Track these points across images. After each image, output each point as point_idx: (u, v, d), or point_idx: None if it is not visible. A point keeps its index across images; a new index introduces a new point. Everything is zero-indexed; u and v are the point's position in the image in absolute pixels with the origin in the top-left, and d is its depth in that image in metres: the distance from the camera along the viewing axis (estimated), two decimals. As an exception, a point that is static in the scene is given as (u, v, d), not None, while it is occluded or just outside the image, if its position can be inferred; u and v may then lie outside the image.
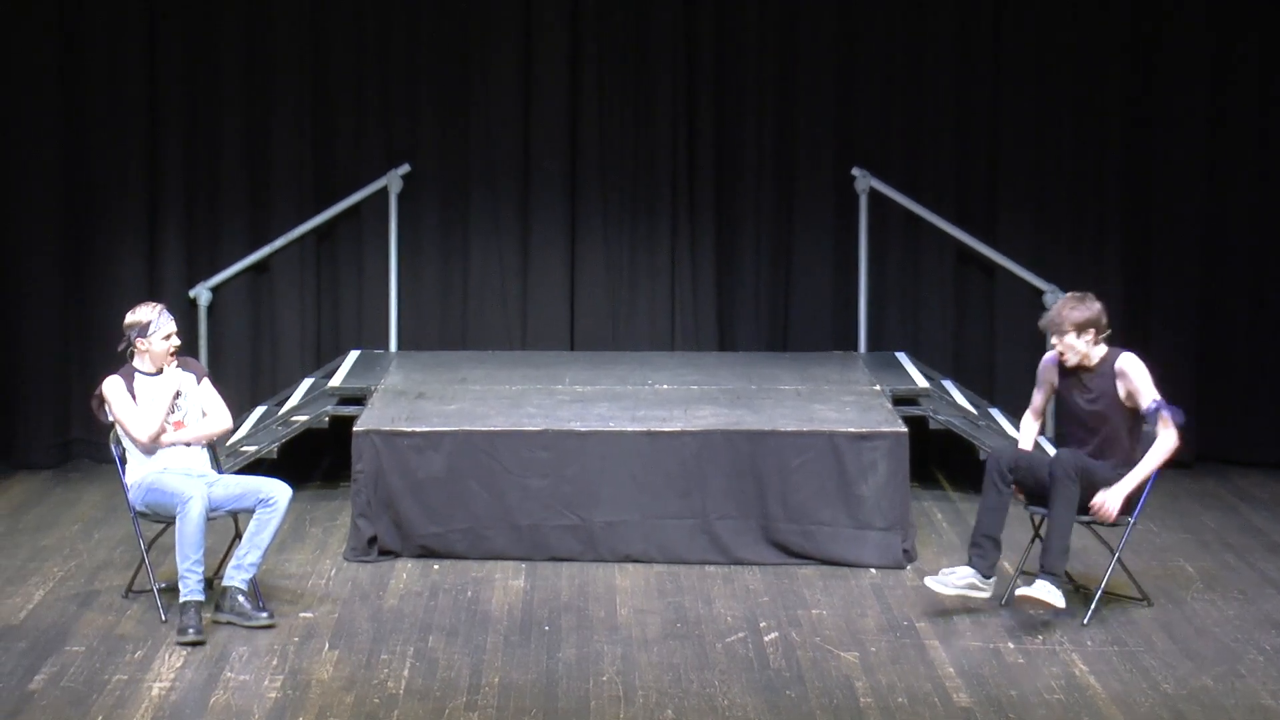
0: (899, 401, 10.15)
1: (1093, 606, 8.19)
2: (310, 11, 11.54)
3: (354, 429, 9.35)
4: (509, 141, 11.72)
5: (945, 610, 8.33)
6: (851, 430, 9.21)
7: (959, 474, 10.92)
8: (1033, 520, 8.59)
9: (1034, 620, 8.17)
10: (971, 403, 10.93)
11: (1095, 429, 8.34)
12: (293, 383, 11.39)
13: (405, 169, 11.60)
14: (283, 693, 7.24)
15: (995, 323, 11.73)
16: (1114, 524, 8.26)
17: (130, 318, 8.36)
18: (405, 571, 8.98)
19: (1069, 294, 8.42)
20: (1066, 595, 8.48)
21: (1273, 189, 11.39)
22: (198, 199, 11.58)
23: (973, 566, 8.25)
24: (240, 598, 8.07)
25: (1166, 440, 8.22)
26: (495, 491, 9.15)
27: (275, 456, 10.31)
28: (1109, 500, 8.16)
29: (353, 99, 11.65)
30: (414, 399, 9.96)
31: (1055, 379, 8.51)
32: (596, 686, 7.34)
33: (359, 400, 10.25)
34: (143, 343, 8.32)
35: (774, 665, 7.60)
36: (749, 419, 9.43)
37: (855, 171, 11.58)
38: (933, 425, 10.31)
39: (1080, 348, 8.30)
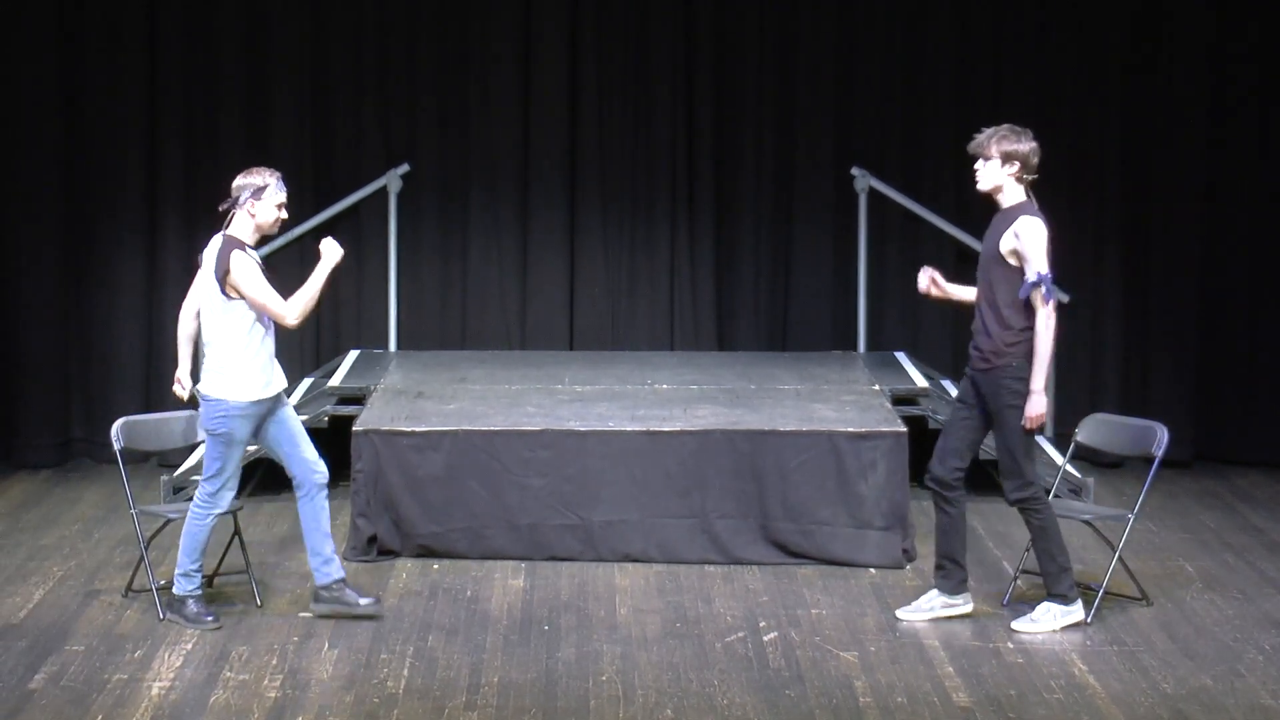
0: (898, 401, 10.16)
1: (1094, 606, 8.19)
2: (310, 11, 11.55)
3: (353, 428, 9.36)
4: (508, 141, 11.73)
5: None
6: (851, 430, 9.21)
7: (958, 474, 10.92)
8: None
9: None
10: (971, 402, 10.92)
11: (979, 280, 8.01)
12: (292, 382, 11.37)
13: (405, 169, 11.61)
14: (282, 692, 7.24)
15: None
16: (1036, 431, 7.99)
17: (243, 179, 7.91)
18: (405, 571, 8.98)
19: (1009, 124, 8.00)
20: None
21: (1272, 190, 11.39)
22: (197, 198, 11.56)
23: (937, 589, 8.24)
24: (344, 589, 8.07)
25: (1046, 320, 7.79)
26: (495, 491, 9.15)
27: (275, 456, 10.31)
28: (1032, 411, 7.84)
29: (352, 99, 11.66)
30: (413, 398, 9.97)
31: None
32: (596, 686, 7.34)
33: (358, 400, 10.25)
34: (254, 205, 7.88)
35: (773, 665, 7.60)
36: (748, 419, 9.43)
37: (854, 171, 11.59)
38: (932, 425, 10.31)
39: (995, 177, 7.94)
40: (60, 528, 9.85)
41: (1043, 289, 7.79)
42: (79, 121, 11.39)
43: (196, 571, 8.08)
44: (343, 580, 8.13)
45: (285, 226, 11.37)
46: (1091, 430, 8.75)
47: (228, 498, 8.07)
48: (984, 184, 7.97)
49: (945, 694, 7.26)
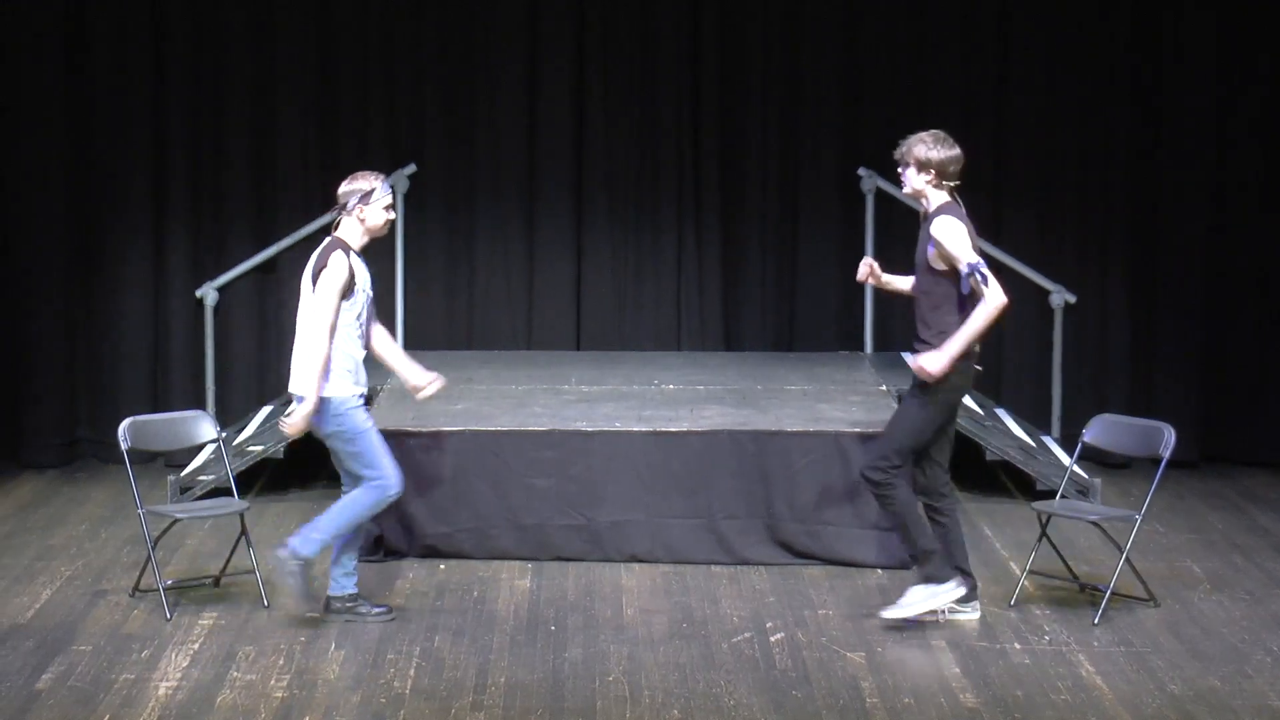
0: (905, 402, 10.14)
1: (1101, 607, 8.18)
2: (316, 12, 11.55)
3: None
4: (515, 141, 11.73)
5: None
6: (858, 430, 9.20)
7: (965, 474, 10.90)
8: (1039, 519, 8.58)
9: (1040, 621, 8.17)
10: (977, 403, 10.92)
11: (915, 284, 8.04)
12: (298, 383, 11.38)
13: (411, 169, 11.60)
14: (289, 692, 7.24)
15: (1001, 323, 11.69)
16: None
17: (349, 185, 7.93)
18: (411, 571, 8.98)
19: (935, 131, 7.98)
20: (1071, 597, 8.50)
21: (1280, 190, 11.41)
22: (204, 199, 11.59)
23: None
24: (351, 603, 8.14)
25: (991, 299, 7.77)
26: (501, 491, 9.15)
27: (281, 456, 10.32)
28: (926, 364, 7.81)
29: (358, 99, 11.66)
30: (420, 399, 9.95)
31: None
32: (603, 686, 7.34)
33: (365, 400, 10.21)
34: (362, 210, 7.91)
35: (780, 665, 7.60)
36: (755, 419, 9.43)
37: (861, 171, 11.59)
38: (939, 425, 10.29)
39: (915, 183, 7.92)
40: (67, 528, 9.85)
41: (976, 276, 7.81)
42: (86, 122, 11.40)
43: (327, 546, 8.09)
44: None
45: (292, 226, 11.51)
46: (1099, 431, 8.74)
47: (396, 481, 8.04)
48: (905, 189, 8.02)
49: (952, 694, 7.25)
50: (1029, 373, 11.68)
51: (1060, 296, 11.47)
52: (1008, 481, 10.81)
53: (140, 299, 11.53)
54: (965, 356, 7.89)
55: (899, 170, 8.00)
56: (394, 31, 11.63)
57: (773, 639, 7.93)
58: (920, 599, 8.06)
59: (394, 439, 9.16)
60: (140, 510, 8.39)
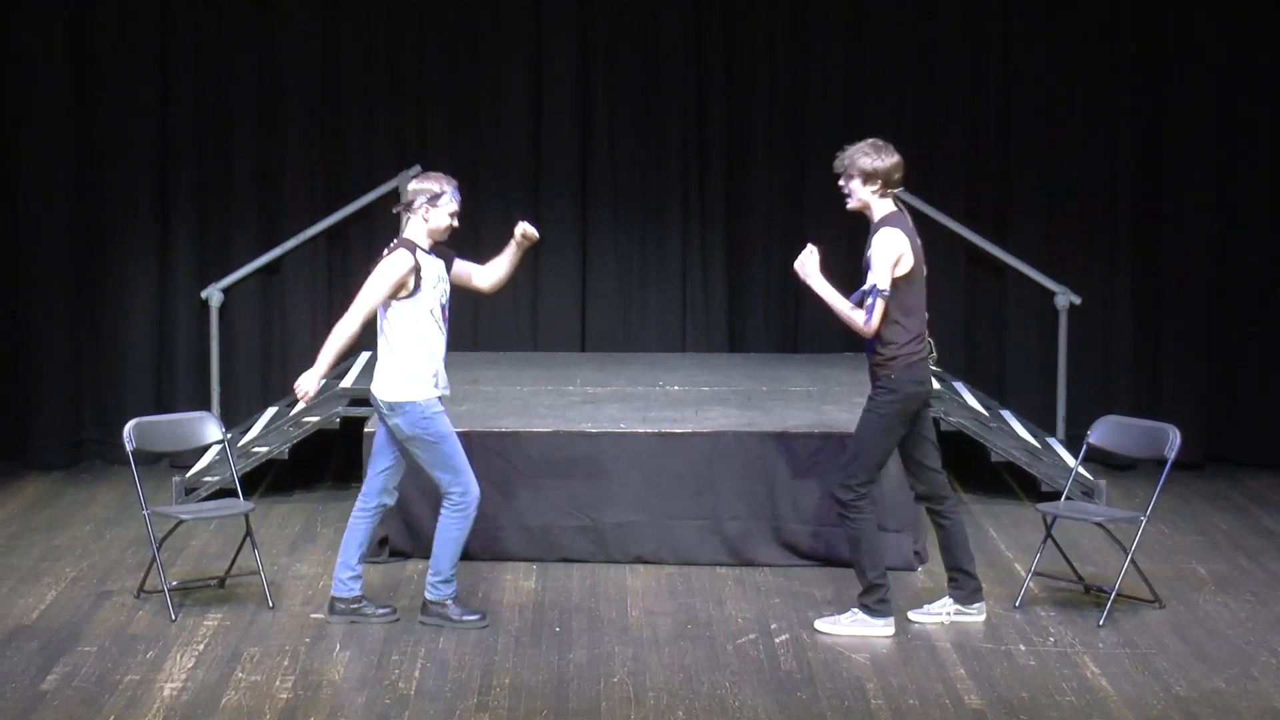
0: (910, 403, 10.12)
1: (1106, 609, 8.18)
2: (321, 12, 11.56)
3: (365, 430, 9.34)
4: (520, 142, 11.73)
5: (956, 612, 8.33)
6: (863, 431, 9.19)
7: (970, 476, 10.91)
8: (1044, 520, 8.58)
9: (1045, 622, 8.16)
10: (982, 404, 10.92)
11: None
12: (304, 383, 11.38)
13: (416, 170, 11.60)
14: (294, 693, 7.24)
15: (1006, 324, 11.73)
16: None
17: (417, 184, 7.90)
18: (416, 572, 8.97)
19: (872, 139, 7.94)
20: (1076, 598, 8.50)
21: (1285, 190, 11.40)
22: (209, 200, 11.59)
23: (951, 597, 8.24)
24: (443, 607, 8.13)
25: (867, 321, 7.79)
26: (506, 492, 9.15)
27: (287, 457, 10.33)
28: (807, 264, 7.88)
29: (363, 100, 11.67)
30: (425, 400, 9.96)
31: None
32: (607, 687, 7.34)
33: (370, 401, 10.22)
34: (428, 211, 7.87)
35: (785, 667, 7.60)
36: (760, 420, 9.42)
37: (867, 173, 11.56)
38: (944, 427, 10.28)
39: (862, 195, 7.90)
40: (72, 529, 9.86)
41: (870, 300, 7.80)
42: (91, 125, 11.41)
43: (454, 577, 8.10)
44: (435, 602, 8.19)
45: (297, 227, 11.52)
46: (1104, 432, 8.73)
47: (475, 490, 8.04)
48: (851, 204, 7.97)
49: (957, 696, 7.25)
50: (1034, 374, 11.68)
51: (1065, 298, 11.46)
52: (1013, 483, 10.81)
53: (145, 300, 11.54)
54: (915, 361, 7.90)
55: (840, 184, 7.94)
56: (399, 33, 11.63)
57: (778, 640, 7.93)
58: (850, 625, 8.04)
59: (399, 440, 9.20)
60: (145, 511, 8.39)
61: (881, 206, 7.92)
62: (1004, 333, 11.75)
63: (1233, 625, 8.20)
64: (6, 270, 11.38)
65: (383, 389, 7.98)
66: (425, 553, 9.10)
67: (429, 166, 11.58)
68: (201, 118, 11.51)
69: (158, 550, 8.39)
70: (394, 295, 7.88)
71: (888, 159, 7.87)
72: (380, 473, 8.17)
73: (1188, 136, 11.40)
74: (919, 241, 7.99)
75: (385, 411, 8.01)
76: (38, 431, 11.41)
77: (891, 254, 7.82)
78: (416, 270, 7.86)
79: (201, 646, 7.78)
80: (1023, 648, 7.84)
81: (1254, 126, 11.39)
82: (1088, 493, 9.90)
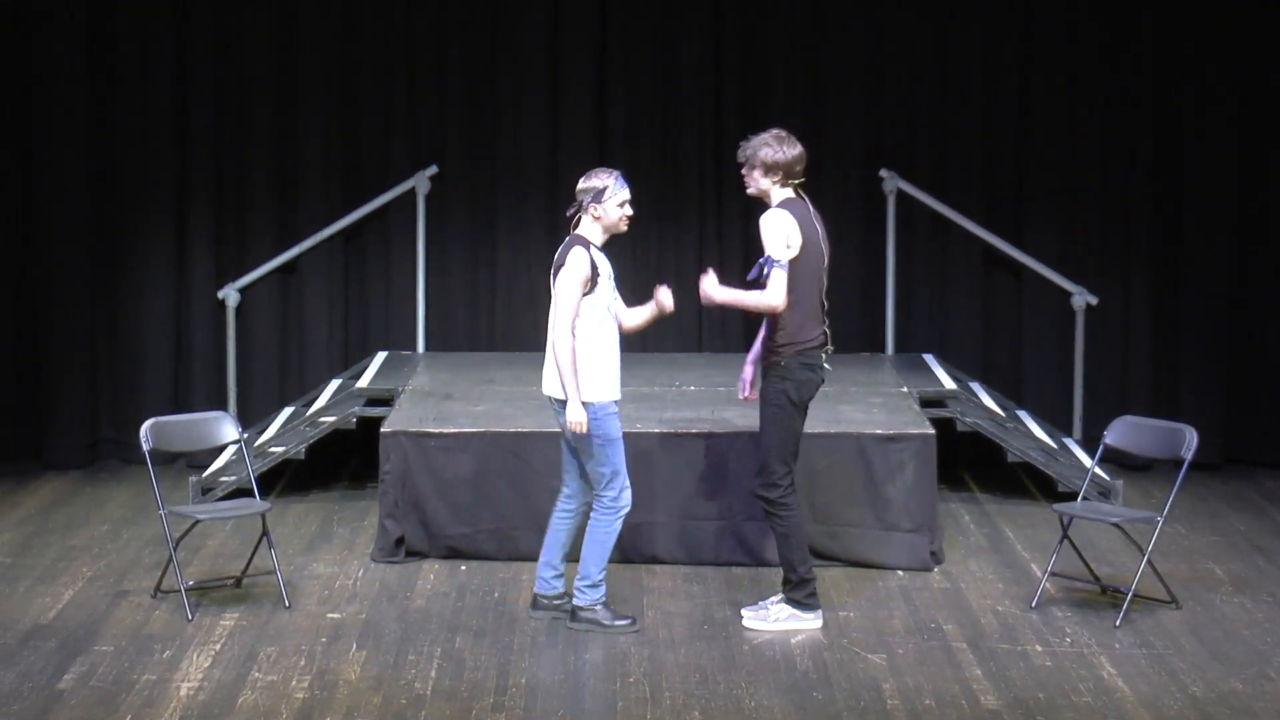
0: (926, 403, 10.13)
1: (1123, 609, 8.16)
2: (338, 13, 11.56)
3: (381, 430, 9.36)
4: (537, 143, 11.73)
5: (972, 612, 8.32)
6: (879, 432, 9.20)
7: (986, 476, 10.90)
8: (1061, 520, 8.56)
9: (1062, 623, 8.15)
10: (999, 404, 10.91)
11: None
12: (320, 384, 11.41)
13: (433, 170, 11.62)
14: (310, 693, 7.25)
15: (1023, 324, 11.71)
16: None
17: (584, 183, 8.01)
18: (432, 572, 8.99)
19: (776, 131, 8.10)
20: (1092, 598, 8.49)
21: (1305, 191, 11.37)
22: (226, 200, 11.61)
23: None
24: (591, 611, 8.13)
25: (768, 297, 7.95)
26: (522, 492, 9.15)
27: (303, 457, 10.34)
28: (707, 286, 8.08)
29: (380, 101, 11.67)
30: (441, 400, 9.98)
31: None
32: (623, 687, 7.34)
33: (386, 401, 10.25)
34: (596, 209, 7.99)
35: (801, 667, 7.59)
36: (776, 420, 9.40)
37: (883, 173, 11.57)
38: (960, 427, 10.29)
39: (763, 185, 8.05)
40: (89, 528, 9.88)
41: (766, 271, 7.94)
42: (109, 123, 11.42)
43: (603, 581, 8.10)
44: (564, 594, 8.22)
45: (313, 228, 11.53)
46: (1120, 432, 8.72)
47: (628, 495, 8.08)
48: (751, 190, 8.11)
49: (973, 696, 7.24)
50: (1051, 374, 11.66)
51: (1082, 298, 11.44)
52: (1029, 483, 10.79)
53: (162, 300, 11.56)
54: (806, 349, 8.04)
55: (743, 173, 8.07)
56: (416, 33, 11.63)
57: (793, 640, 7.93)
58: (780, 621, 8.08)
59: (415, 440, 9.21)
60: (162, 511, 8.41)
61: (779, 195, 8.10)
62: (1021, 333, 11.73)
63: (1250, 626, 8.19)
64: (25, 271, 11.40)
65: (556, 387, 7.99)
66: (441, 553, 9.15)
67: (447, 167, 11.66)
68: (219, 119, 11.52)
69: (174, 550, 8.40)
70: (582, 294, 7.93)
71: (790, 151, 8.04)
72: (579, 475, 8.19)
73: (1205, 136, 11.36)
74: (821, 231, 8.16)
75: (557, 409, 8.03)
76: (55, 431, 11.42)
77: (779, 232, 7.99)
78: (594, 267, 7.94)
79: (218, 646, 7.79)
80: (1039, 648, 7.83)
81: (1275, 126, 11.34)
82: (1104, 493, 9.89)
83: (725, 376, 10.73)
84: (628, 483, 8.07)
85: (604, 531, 8.06)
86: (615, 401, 8.04)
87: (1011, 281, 11.70)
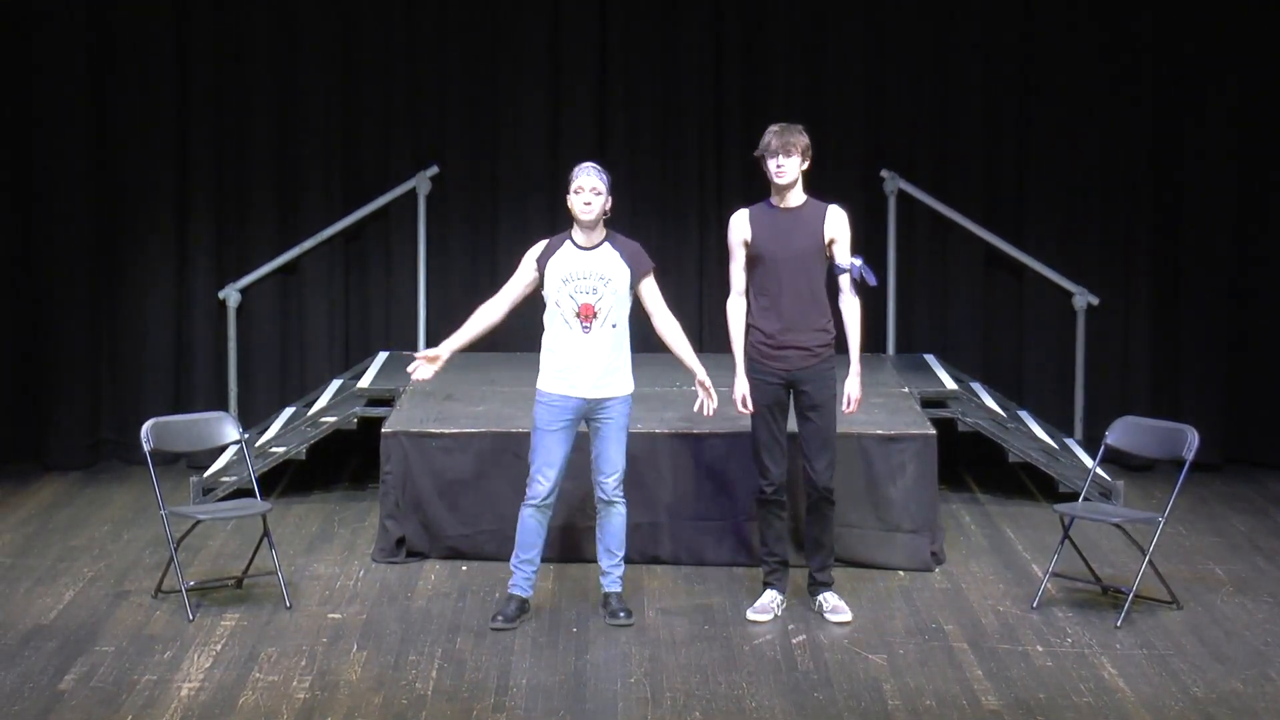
0: (927, 404, 10.13)
1: (1124, 609, 8.17)
2: (338, 14, 11.56)
3: (382, 430, 9.37)
4: (537, 142, 11.73)
5: (973, 613, 8.32)
6: (880, 432, 9.19)
7: (987, 476, 10.90)
8: (1062, 521, 8.56)
9: (1063, 623, 8.15)
10: (1000, 405, 10.91)
11: (787, 280, 8.15)
12: (321, 384, 11.41)
13: (433, 170, 11.62)
14: (311, 693, 7.25)
15: (1024, 325, 11.71)
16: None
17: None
18: (433, 572, 8.99)
19: (783, 124, 8.15)
20: (1093, 599, 8.49)
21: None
22: (227, 201, 11.61)
23: (775, 589, 8.36)
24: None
25: (856, 307, 8.18)
26: (523, 493, 9.12)
27: (304, 458, 10.34)
28: (853, 393, 8.19)
29: (381, 101, 11.67)
30: (442, 400, 9.98)
31: (749, 233, 8.21)
32: (624, 688, 7.34)
33: (387, 401, 10.26)
34: (568, 199, 8.21)
35: (802, 667, 7.60)
36: (777, 421, 9.40)
37: (884, 173, 11.57)
38: (961, 427, 10.29)
39: (797, 171, 8.10)
40: (90, 529, 9.88)
41: (855, 272, 8.16)
42: (110, 124, 11.42)
43: (518, 569, 8.27)
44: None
45: (314, 228, 11.52)
46: (1122, 433, 8.72)
47: (537, 488, 8.20)
48: (790, 177, 8.12)
49: (974, 697, 7.24)
50: (1052, 375, 11.66)
51: (1083, 298, 11.44)
52: (1030, 484, 10.80)
53: (163, 300, 11.56)
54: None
55: (778, 161, 8.06)
56: (417, 33, 11.63)
57: (794, 641, 7.93)
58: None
59: (416, 440, 9.21)
60: (163, 511, 8.41)
61: (800, 186, 8.19)
62: (1022, 333, 11.72)
63: (1250, 626, 8.19)
64: (25, 271, 11.40)
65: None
66: (442, 553, 9.15)
67: (448, 167, 11.66)
68: (219, 119, 11.52)
69: (175, 550, 8.40)
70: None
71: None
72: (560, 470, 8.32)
73: (1205, 136, 11.36)
74: None
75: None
76: (56, 432, 11.42)
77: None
78: (540, 259, 8.32)
79: (219, 647, 7.79)
80: (1040, 648, 7.83)
81: (1275, 124, 11.34)
82: (1105, 494, 9.89)
83: (726, 376, 10.71)
84: (541, 477, 8.15)
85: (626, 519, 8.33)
86: (560, 395, 8.18)
87: (1012, 282, 11.70)
